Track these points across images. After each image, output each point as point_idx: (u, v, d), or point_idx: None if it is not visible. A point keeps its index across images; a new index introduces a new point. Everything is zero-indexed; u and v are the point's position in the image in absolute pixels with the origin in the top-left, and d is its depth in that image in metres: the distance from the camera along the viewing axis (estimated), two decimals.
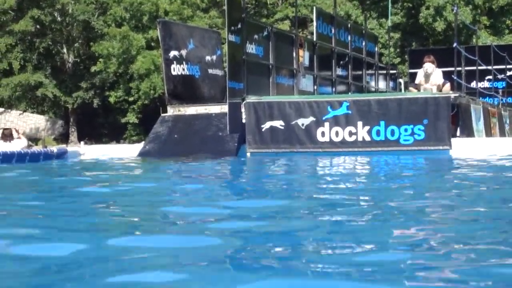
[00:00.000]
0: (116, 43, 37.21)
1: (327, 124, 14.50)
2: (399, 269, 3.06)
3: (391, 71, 26.40)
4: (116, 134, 39.36)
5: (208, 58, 18.47)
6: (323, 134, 14.51)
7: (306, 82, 18.75)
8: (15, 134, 17.14)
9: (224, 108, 15.15)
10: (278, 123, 14.73)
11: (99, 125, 41.30)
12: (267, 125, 14.65)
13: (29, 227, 4.49)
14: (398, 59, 37.02)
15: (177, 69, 17.28)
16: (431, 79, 16.20)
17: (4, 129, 18.35)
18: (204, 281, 2.92)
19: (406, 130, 14.19)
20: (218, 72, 18.81)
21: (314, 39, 19.65)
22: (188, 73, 17.56)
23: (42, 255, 3.49)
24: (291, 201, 6.16)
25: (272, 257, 3.44)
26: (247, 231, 4.25)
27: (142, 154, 15.98)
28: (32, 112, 43.25)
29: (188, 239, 3.97)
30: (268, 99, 15.30)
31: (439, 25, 35.75)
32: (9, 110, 42.17)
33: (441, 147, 13.97)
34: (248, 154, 14.53)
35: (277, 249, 3.66)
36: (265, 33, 16.96)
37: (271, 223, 4.70)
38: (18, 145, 16.37)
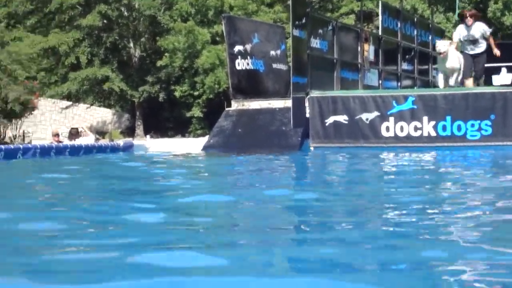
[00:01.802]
0: (181, 37, 37.56)
1: (392, 119, 14.37)
2: None
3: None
4: (181, 128, 39.74)
5: (272, 52, 18.48)
6: (387, 129, 14.39)
7: (371, 77, 18.61)
8: (82, 133, 17.51)
9: (287, 103, 15.14)
10: (342, 118, 14.67)
11: (164, 119, 41.76)
12: (330, 120, 14.60)
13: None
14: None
15: (241, 64, 17.32)
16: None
17: (72, 128, 18.79)
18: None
19: (473, 125, 13.96)
20: (282, 66, 18.80)
21: (380, 33, 19.47)
22: (252, 68, 17.60)
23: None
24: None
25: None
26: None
27: (206, 148, 16.10)
28: (99, 106, 44.00)
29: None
30: (332, 94, 15.25)
31: (508, 19, 35.01)
32: (77, 104, 42.99)
33: (509, 143, 13.71)
34: (312, 149, 14.51)
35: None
36: (330, 27, 16.89)
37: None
38: (86, 141, 16.72)
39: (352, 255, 3.34)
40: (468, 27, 15.07)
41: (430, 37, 22.23)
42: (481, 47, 15.12)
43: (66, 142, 16.79)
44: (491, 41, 15.30)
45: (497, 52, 15.15)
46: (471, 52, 15.12)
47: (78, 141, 16.51)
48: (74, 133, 17.48)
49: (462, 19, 15.75)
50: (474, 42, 15.04)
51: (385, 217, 4.80)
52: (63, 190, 6.93)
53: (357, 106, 14.60)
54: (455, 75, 14.95)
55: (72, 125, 42.13)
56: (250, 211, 5.26)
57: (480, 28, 15.15)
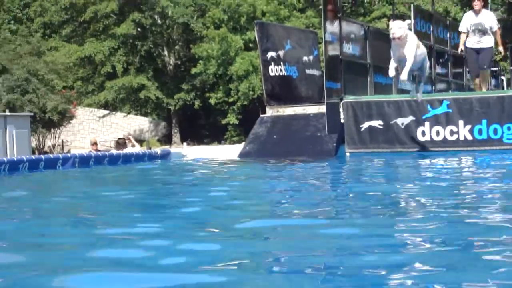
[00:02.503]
0: (215, 44, 37.81)
1: (427, 123, 14.34)
2: None
3: (493, 68, 25.77)
4: (217, 135, 39.97)
5: (305, 58, 18.55)
6: (423, 133, 14.36)
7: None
8: (129, 144, 17.79)
9: (322, 109, 15.19)
10: (377, 123, 14.66)
11: (200, 126, 42.04)
12: (365, 125, 14.61)
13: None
14: (499, 56, 36.07)
15: (274, 70, 17.41)
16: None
17: (119, 138, 19.10)
18: None
19: (509, 128, 13.88)
20: (316, 72, 18.86)
21: None
22: (285, 74, 17.68)
23: None
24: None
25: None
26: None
27: (242, 155, 16.21)
28: (136, 114, 44.43)
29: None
30: (366, 99, 15.26)
31: None
32: (114, 112, 43.45)
33: None
34: (348, 154, 14.53)
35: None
36: (362, 32, 16.92)
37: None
38: (132, 151, 16.97)
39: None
40: (476, 14, 14.67)
41: None
42: (488, 40, 14.51)
43: (104, 151, 17.06)
44: (498, 36, 14.93)
45: (502, 50, 14.91)
46: (477, 46, 14.70)
47: (125, 151, 16.78)
48: (122, 143, 17.77)
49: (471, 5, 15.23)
50: (482, 32, 14.38)
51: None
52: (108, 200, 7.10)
53: (391, 110, 14.58)
54: (407, 65, 11.48)
55: (110, 133, 42.65)
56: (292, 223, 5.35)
57: (489, 17, 14.59)
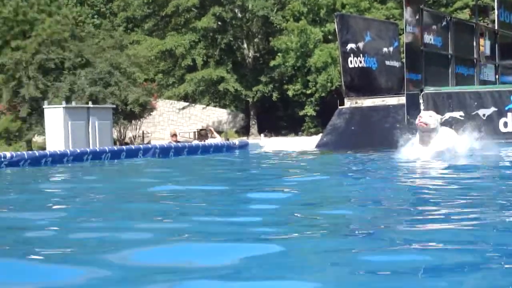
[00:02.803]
0: (294, 37, 37.81)
1: (510, 114, 14.07)
2: None
3: None
4: (294, 127, 40.01)
5: (385, 49, 18.40)
6: (505, 124, 14.10)
7: (487, 72, 18.23)
8: (210, 134, 18.06)
9: (401, 100, 15.08)
10: (458, 114, 14.47)
11: (278, 118, 42.14)
12: (446, 116, 14.41)
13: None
14: None
15: (354, 62, 17.33)
16: None
17: (200, 129, 19.41)
18: None
19: None
20: (396, 63, 18.68)
21: (496, 27, 19.03)
22: (365, 65, 17.58)
23: None
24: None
25: None
26: None
27: (320, 146, 16.24)
28: (215, 106, 44.85)
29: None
30: (447, 90, 15.07)
31: None
32: (193, 104, 43.97)
33: None
34: None
35: None
36: (444, 22, 16.67)
37: None
38: (213, 142, 17.20)
39: None
40: None
41: None
42: None
43: (183, 142, 17.33)
44: None
45: None
46: None
47: (205, 142, 17.01)
48: (204, 134, 18.05)
49: None
50: None
51: None
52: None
53: (473, 102, 14.37)
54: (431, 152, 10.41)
55: (189, 125, 43.21)
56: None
57: None
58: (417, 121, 10.35)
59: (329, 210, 5.11)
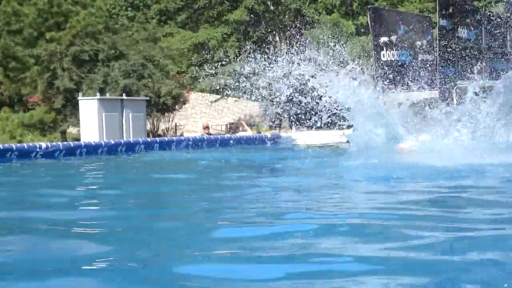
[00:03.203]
0: (326, 30, 37.74)
1: None
2: None
3: None
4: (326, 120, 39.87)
5: (418, 43, 18.33)
6: None
7: None
8: (241, 127, 18.19)
9: (434, 94, 15.03)
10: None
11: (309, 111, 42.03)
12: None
13: None
14: None
15: (387, 55, 17.31)
16: None
17: (231, 123, 19.55)
18: None
19: None
20: (429, 57, 18.60)
21: None
22: (398, 59, 17.54)
23: None
24: None
25: None
26: None
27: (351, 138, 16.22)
28: (247, 99, 44.89)
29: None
30: (481, 84, 14.97)
31: None
32: (226, 97, 44.10)
33: None
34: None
35: None
36: (478, 16, 16.58)
37: None
38: (244, 134, 17.32)
39: None
40: None
41: None
42: None
43: (215, 134, 17.45)
44: None
45: None
46: None
47: (236, 135, 17.12)
48: (234, 127, 18.18)
49: None
50: None
51: None
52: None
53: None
54: None
55: (221, 117, 43.36)
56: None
57: None
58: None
59: None
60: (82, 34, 29.41)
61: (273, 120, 43.83)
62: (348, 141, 16.11)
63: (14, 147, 11.93)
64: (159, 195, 6.15)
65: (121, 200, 5.78)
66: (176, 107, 33.20)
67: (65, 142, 13.95)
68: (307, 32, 38.99)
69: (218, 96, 44.04)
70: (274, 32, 41.74)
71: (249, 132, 18.22)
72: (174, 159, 12.18)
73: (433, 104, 14.91)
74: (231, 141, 15.62)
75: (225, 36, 40.96)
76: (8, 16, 30.11)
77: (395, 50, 17.42)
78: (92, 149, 12.61)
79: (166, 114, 33.71)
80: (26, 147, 12.06)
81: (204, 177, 7.79)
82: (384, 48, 17.19)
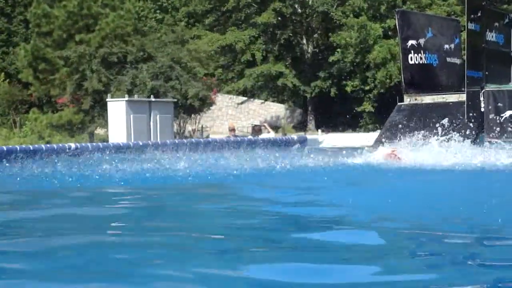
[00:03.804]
0: (353, 33, 37.72)
1: None
2: None
3: None
4: (352, 123, 39.88)
5: (446, 46, 18.26)
6: None
7: None
8: (264, 130, 18.25)
9: (462, 97, 15.00)
10: None
11: (335, 113, 42.05)
12: (507, 114, 14.30)
13: None
14: None
15: (414, 58, 17.27)
16: None
17: (255, 125, 19.63)
18: None
19: None
20: (457, 60, 18.54)
21: None
22: (425, 62, 17.50)
23: None
24: None
25: None
26: None
27: (378, 142, 16.22)
28: (273, 101, 45.00)
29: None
30: (509, 88, 14.92)
31: None
32: (252, 99, 44.22)
33: None
34: (487, 144, 14.26)
35: None
36: (506, 20, 16.50)
37: None
38: (267, 137, 17.38)
39: None
40: None
41: None
42: None
43: (241, 136, 17.53)
44: None
45: None
46: None
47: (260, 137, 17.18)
48: (257, 130, 18.24)
49: None
50: None
51: None
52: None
53: None
54: None
55: (247, 119, 43.46)
56: None
57: None
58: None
59: None
60: (111, 36, 29.69)
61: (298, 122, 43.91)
62: (373, 146, 16.12)
63: (44, 148, 12.09)
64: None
65: None
66: (203, 109, 33.34)
67: (94, 143, 14.10)
68: (334, 35, 38.99)
69: (245, 98, 44.17)
70: (301, 35, 41.76)
71: (272, 135, 18.28)
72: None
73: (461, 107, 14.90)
74: (258, 143, 15.67)
75: (253, 38, 41.08)
76: (39, 18, 30.48)
77: (423, 53, 17.37)
78: (121, 150, 12.73)
79: (192, 115, 33.86)
80: (56, 148, 12.21)
81: None
82: (412, 51, 17.14)
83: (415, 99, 16.74)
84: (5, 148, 11.75)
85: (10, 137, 34.81)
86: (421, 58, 17.33)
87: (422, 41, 17.36)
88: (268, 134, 18.02)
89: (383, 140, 16.02)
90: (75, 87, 29.60)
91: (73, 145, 12.51)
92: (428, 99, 16.56)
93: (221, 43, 40.71)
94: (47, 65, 29.96)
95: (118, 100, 20.07)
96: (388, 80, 36.84)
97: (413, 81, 17.04)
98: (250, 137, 17.82)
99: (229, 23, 42.42)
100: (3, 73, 46.55)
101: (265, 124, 20.54)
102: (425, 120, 16.18)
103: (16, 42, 47.13)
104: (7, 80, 45.82)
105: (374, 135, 17.34)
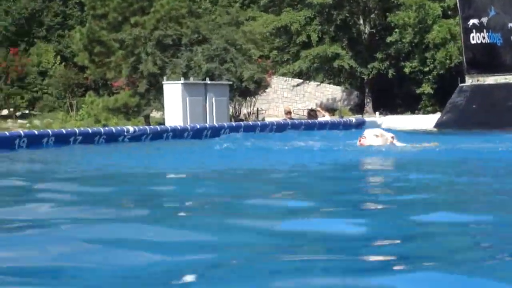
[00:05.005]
0: (412, 12, 36.98)
1: None
2: None
3: None
4: (410, 105, 39.24)
5: (510, 25, 17.67)
6: None
7: None
8: (319, 114, 18.06)
9: None
10: None
11: (393, 95, 41.43)
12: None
13: None
14: None
15: (476, 38, 16.81)
16: None
17: (310, 109, 19.44)
18: None
19: None
20: None
21: None
22: (488, 41, 17.00)
23: None
24: None
25: None
26: None
27: (439, 124, 15.86)
28: (329, 83, 44.57)
29: None
30: None
31: None
32: (307, 82, 43.85)
33: None
34: None
35: None
36: None
37: None
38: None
39: None
40: None
41: None
42: None
43: (297, 119, 17.33)
44: None
45: None
46: None
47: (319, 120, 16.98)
48: (313, 114, 18.07)
49: None
50: None
51: None
52: None
53: None
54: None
55: (303, 102, 43.17)
56: None
57: None
58: (358, 142, 8.27)
59: None
60: (165, 18, 29.63)
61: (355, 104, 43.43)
62: (436, 127, 15.72)
63: (102, 131, 12.06)
64: None
65: None
66: (258, 91, 33.12)
67: (152, 126, 14.03)
68: (392, 15, 38.29)
69: (300, 81, 43.82)
70: (357, 15, 41.13)
71: (327, 118, 18.02)
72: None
73: None
74: (316, 126, 15.42)
75: (308, 19, 40.62)
76: (94, 1, 30.61)
77: (486, 32, 16.85)
78: (178, 133, 12.62)
79: (248, 98, 33.69)
80: (114, 131, 12.15)
81: None
82: (474, 31, 16.67)
83: (477, 80, 16.28)
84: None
85: (66, 120, 35.23)
86: (483, 38, 16.86)
87: (484, 19, 16.87)
88: (324, 118, 17.76)
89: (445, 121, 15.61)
90: (130, 70, 29.67)
91: (131, 129, 12.44)
92: (490, 79, 16.09)
93: (276, 24, 40.36)
94: (103, 48, 30.09)
95: (174, 83, 19.94)
96: (448, 61, 36.06)
97: (475, 61, 16.62)
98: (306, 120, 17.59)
99: (284, 4, 42.00)
100: (59, 57, 47.14)
101: (319, 108, 20.31)
102: (487, 101, 15.73)
103: (72, 25, 47.65)
104: (63, 63, 46.38)
105: (434, 117, 16.93)
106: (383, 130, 8.57)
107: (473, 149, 9.00)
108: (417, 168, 6.78)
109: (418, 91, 38.63)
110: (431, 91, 37.77)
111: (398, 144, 8.34)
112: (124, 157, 9.34)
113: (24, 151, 10.25)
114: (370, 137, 8.14)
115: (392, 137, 8.34)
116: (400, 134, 9.46)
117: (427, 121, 17.04)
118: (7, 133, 11.21)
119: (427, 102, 38.73)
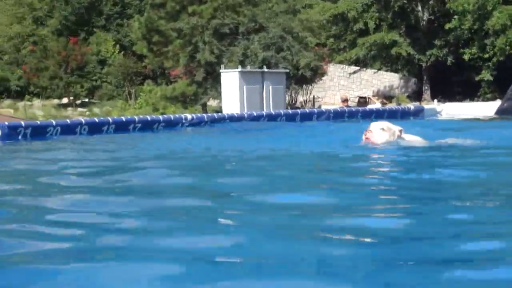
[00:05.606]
0: None
1: None
2: None
3: None
4: (469, 92, 38.67)
5: None
6: None
7: None
8: (371, 102, 18.01)
9: None
10: None
11: (452, 83, 40.87)
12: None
13: None
14: None
15: None
16: None
17: (360, 97, 19.38)
18: None
19: None
20: None
21: None
22: None
23: None
24: None
25: None
26: None
27: (499, 112, 15.57)
28: (386, 71, 44.19)
29: None
30: None
31: None
32: (364, 69, 43.55)
33: None
34: None
35: None
36: None
37: None
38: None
39: None
40: None
41: None
42: None
43: (354, 107, 17.28)
44: None
45: None
46: None
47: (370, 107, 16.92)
48: (363, 102, 18.03)
49: None
50: None
51: None
52: None
53: None
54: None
55: (359, 90, 42.90)
56: None
57: None
58: (362, 139, 7.52)
59: None
60: (223, 7, 29.76)
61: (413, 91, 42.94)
62: (496, 114, 15.45)
63: (161, 119, 12.25)
64: None
65: None
66: (315, 79, 33.05)
67: (209, 114, 14.13)
68: (451, 2, 37.71)
69: (357, 68, 43.55)
70: (416, 2, 40.60)
71: (378, 105, 17.96)
72: None
73: None
74: (373, 114, 15.32)
75: (365, 6, 40.30)
76: None
77: None
78: (235, 121, 12.70)
79: (304, 86, 33.65)
80: (172, 118, 12.32)
81: None
82: None
83: None
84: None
85: (125, 108, 35.76)
86: None
87: None
88: (375, 105, 17.69)
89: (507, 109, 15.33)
90: (188, 59, 29.90)
91: (189, 116, 12.58)
92: None
93: (333, 11, 40.17)
94: (161, 37, 30.40)
95: (232, 71, 20.00)
96: (508, 47, 35.40)
97: None
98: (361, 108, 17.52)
99: None
100: (118, 46, 47.80)
101: (369, 97, 20.25)
102: None
103: (130, 14, 48.25)
104: (122, 52, 47.03)
105: (494, 104, 16.63)
106: (390, 123, 7.71)
107: None
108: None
109: (477, 78, 38.04)
110: (491, 78, 37.16)
111: (408, 137, 7.70)
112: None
113: (84, 137, 10.47)
114: (377, 132, 7.35)
115: (400, 131, 7.61)
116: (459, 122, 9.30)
117: (487, 108, 16.70)
118: (68, 121, 11.45)
119: (486, 89, 38.11)
